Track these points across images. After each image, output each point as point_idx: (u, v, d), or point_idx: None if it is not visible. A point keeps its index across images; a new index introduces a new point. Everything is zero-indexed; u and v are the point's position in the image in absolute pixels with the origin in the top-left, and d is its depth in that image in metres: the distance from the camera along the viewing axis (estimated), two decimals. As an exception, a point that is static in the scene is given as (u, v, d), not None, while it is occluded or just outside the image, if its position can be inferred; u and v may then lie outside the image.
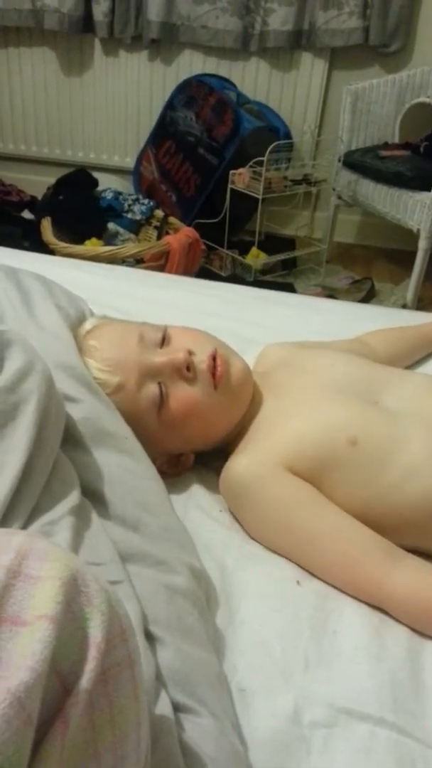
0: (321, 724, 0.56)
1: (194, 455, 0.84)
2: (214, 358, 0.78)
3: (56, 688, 0.33)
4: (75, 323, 0.88)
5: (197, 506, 0.79)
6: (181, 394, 0.77)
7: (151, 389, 0.76)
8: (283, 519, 0.72)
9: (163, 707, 0.49)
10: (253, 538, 0.75)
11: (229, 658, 0.62)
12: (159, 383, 0.77)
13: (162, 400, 0.76)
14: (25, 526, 0.57)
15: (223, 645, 0.63)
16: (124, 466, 0.71)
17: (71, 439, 0.70)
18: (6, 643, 0.32)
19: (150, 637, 0.55)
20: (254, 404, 0.83)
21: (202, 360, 0.78)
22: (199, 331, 0.84)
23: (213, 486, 0.82)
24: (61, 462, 0.65)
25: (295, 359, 0.91)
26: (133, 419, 0.76)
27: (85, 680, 0.33)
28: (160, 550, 0.63)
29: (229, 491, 0.77)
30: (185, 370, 0.76)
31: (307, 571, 0.71)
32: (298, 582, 0.70)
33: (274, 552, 0.73)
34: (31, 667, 0.31)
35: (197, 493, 0.81)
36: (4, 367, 0.61)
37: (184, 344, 0.79)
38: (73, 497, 0.62)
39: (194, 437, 0.81)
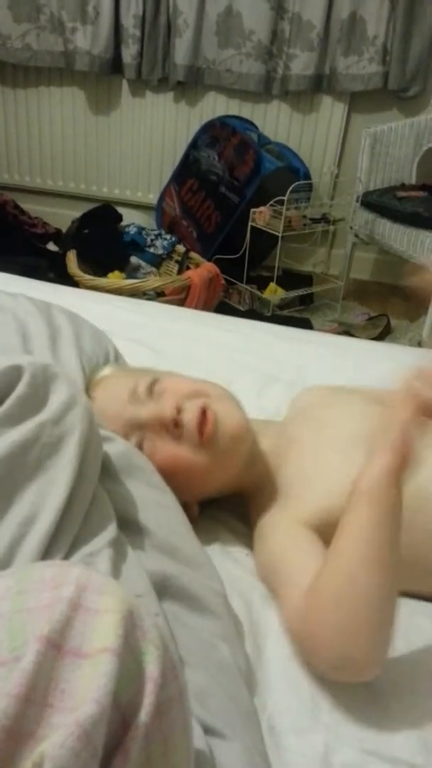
0: (351, 766, 0.57)
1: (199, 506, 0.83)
2: (204, 413, 0.75)
3: (116, 722, 0.34)
4: (93, 368, 0.91)
5: (224, 551, 0.80)
6: (166, 450, 0.75)
7: (134, 443, 0.76)
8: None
9: (198, 740, 0.50)
10: None
11: (259, 694, 0.62)
12: (143, 437, 0.76)
13: (145, 454, 0.75)
14: (66, 557, 0.59)
15: (252, 681, 0.63)
16: (156, 499, 0.73)
17: (107, 472, 0.72)
18: (69, 674, 0.34)
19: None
20: (274, 456, 0.83)
21: (191, 416, 0.74)
22: (193, 381, 0.82)
23: (238, 531, 0.83)
24: (99, 495, 0.66)
25: (318, 409, 0.89)
26: None
27: (143, 714, 0.34)
28: (192, 580, 0.64)
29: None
30: (172, 427, 0.74)
31: None
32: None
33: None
34: (96, 700, 0.32)
35: (225, 538, 0.82)
36: (50, 399, 0.63)
37: (173, 397, 0.76)
38: (111, 530, 0.63)
39: (184, 491, 0.78)
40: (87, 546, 0.60)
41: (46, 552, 0.56)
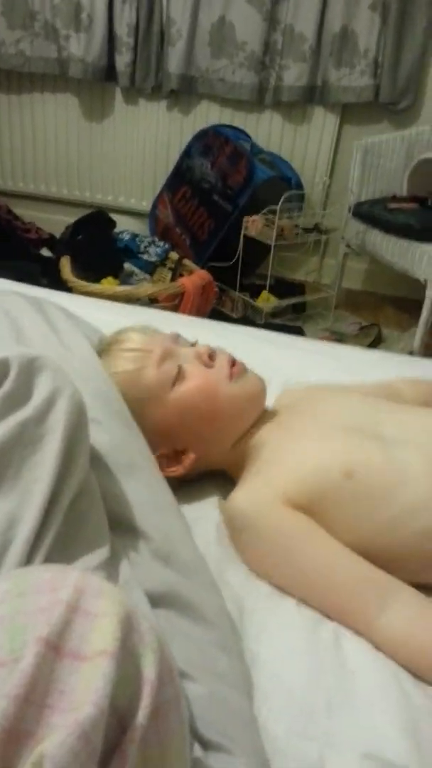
0: (345, 771, 0.57)
1: (197, 473, 0.87)
2: (233, 363, 0.86)
3: (113, 725, 0.34)
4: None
5: (219, 543, 0.80)
6: (198, 372, 0.83)
7: (170, 366, 0.82)
8: (280, 552, 0.73)
9: (197, 750, 0.49)
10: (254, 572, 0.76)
11: (253, 701, 0.62)
12: (179, 365, 0.83)
13: (178, 377, 0.82)
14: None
15: (248, 687, 0.63)
16: (154, 501, 0.72)
17: (103, 468, 0.71)
18: (68, 677, 0.34)
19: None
20: (258, 437, 0.86)
21: (223, 356, 0.86)
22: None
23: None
24: (96, 510, 0.64)
25: (306, 399, 0.93)
26: (145, 401, 0.81)
27: (141, 717, 0.34)
28: (190, 589, 0.64)
29: (229, 523, 0.79)
30: (206, 357, 0.85)
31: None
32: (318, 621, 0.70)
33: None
34: (95, 703, 0.32)
35: (223, 531, 0.82)
36: (33, 394, 0.61)
37: (207, 347, 0.88)
38: (104, 551, 0.61)
39: (200, 429, 0.83)
40: (78, 562, 0.58)
41: (30, 554, 0.55)
